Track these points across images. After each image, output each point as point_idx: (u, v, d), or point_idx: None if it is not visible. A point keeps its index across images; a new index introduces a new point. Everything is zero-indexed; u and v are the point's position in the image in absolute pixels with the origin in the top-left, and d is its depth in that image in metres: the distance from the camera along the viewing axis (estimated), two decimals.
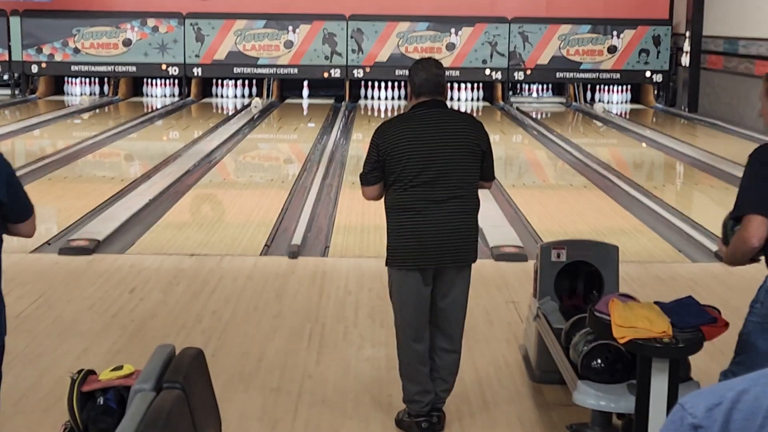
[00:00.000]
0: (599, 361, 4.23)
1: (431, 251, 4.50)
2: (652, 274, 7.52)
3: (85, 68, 20.39)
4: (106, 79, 20.69)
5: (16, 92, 20.35)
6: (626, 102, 20.74)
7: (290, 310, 6.51)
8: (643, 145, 15.53)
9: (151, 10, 20.27)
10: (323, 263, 7.73)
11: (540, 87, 21.12)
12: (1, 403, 4.14)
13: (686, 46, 19.60)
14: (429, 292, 4.61)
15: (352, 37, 20.24)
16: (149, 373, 3.01)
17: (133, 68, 20.38)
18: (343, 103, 19.93)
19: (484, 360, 5.61)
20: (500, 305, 6.65)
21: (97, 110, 18.95)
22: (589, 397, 4.16)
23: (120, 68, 20.38)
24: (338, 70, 20.30)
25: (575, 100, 20.56)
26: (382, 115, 18.98)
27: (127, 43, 20.28)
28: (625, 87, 20.80)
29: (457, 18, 20.27)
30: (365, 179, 4.64)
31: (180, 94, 20.52)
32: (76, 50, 20.28)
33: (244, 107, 19.36)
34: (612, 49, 20.43)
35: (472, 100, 20.62)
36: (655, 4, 20.63)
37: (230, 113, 18.73)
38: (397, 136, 4.52)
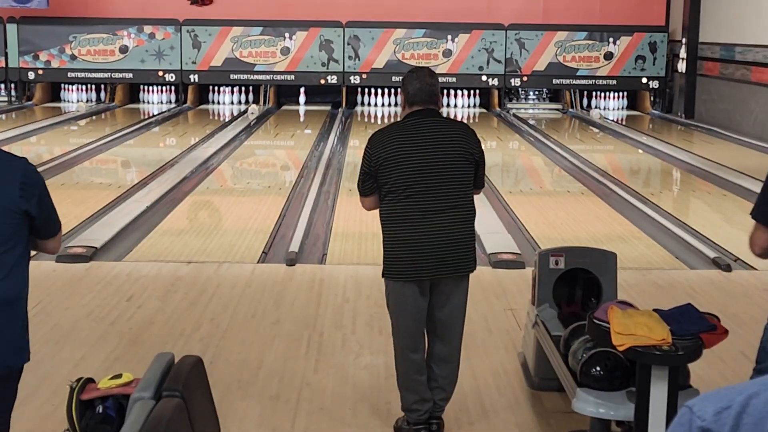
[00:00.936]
0: (598, 368, 4.23)
1: (428, 263, 4.47)
2: (649, 281, 7.52)
3: (81, 75, 20.39)
4: (102, 86, 20.69)
5: (13, 99, 20.33)
6: (623, 108, 20.76)
7: (288, 318, 6.50)
8: (640, 151, 15.54)
9: (147, 16, 20.27)
10: (321, 270, 7.73)
11: (537, 93, 21.10)
12: None
13: (683, 53, 19.62)
14: (426, 303, 4.59)
15: (348, 44, 20.26)
16: (149, 381, 3.00)
17: (130, 75, 20.39)
18: (339, 109, 19.93)
19: (482, 368, 5.60)
20: (498, 313, 6.65)
21: (94, 117, 18.94)
22: (589, 404, 4.16)
23: (117, 75, 20.38)
24: (335, 77, 20.32)
25: (572, 107, 20.58)
26: (379, 122, 18.99)
27: (123, 49, 20.28)
28: (621, 93, 20.83)
29: (453, 24, 20.29)
30: (361, 190, 4.64)
31: (177, 100, 20.51)
32: (73, 57, 20.28)
33: (241, 114, 19.35)
34: (608, 56, 20.45)
35: (469, 106, 20.64)
36: (651, 10, 20.66)
37: (227, 120, 18.72)
38: (389, 145, 4.50)
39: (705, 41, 19.16)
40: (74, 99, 20.58)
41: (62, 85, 20.73)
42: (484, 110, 20.40)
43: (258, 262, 7.96)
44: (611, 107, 20.68)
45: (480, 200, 4.77)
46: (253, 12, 20.29)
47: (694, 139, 16.96)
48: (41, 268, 7.54)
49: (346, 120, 18.56)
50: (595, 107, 20.49)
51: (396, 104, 20.21)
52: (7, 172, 3.40)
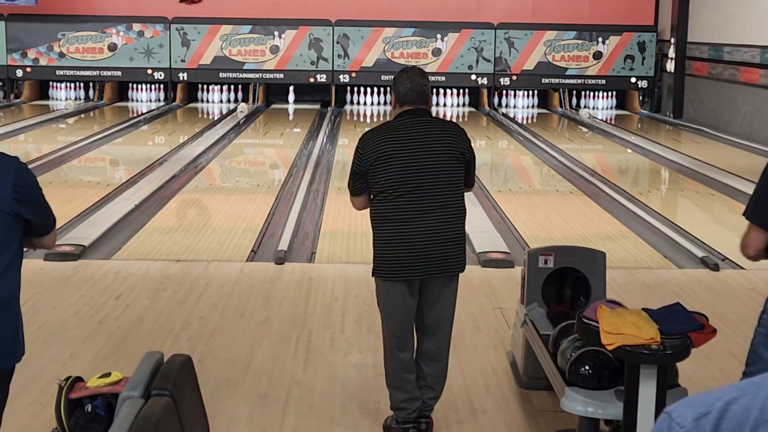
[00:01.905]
0: (587, 367, 4.24)
1: (417, 262, 4.48)
2: (638, 280, 7.54)
3: (70, 73, 20.34)
4: (91, 84, 20.63)
5: (1, 97, 20.26)
6: (611, 108, 20.80)
7: (277, 317, 6.50)
8: (629, 150, 15.57)
9: (136, 14, 20.22)
10: (310, 269, 7.72)
11: (525, 94, 21.05)
12: None
13: (671, 53, 19.67)
14: (415, 303, 4.60)
15: (338, 43, 20.25)
16: (138, 380, 3.00)
17: (119, 73, 20.34)
18: (329, 108, 19.92)
19: (471, 367, 5.61)
20: (487, 312, 6.65)
21: (83, 115, 18.88)
22: (577, 403, 4.17)
23: (105, 73, 20.32)
24: (324, 76, 20.30)
25: (561, 106, 20.60)
26: (368, 121, 18.99)
27: (112, 47, 20.23)
28: (610, 93, 20.86)
29: (443, 23, 20.30)
30: (351, 189, 4.64)
31: (165, 98, 20.47)
32: (61, 55, 20.22)
33: (230, 112, 19.32)
34: (597, 55, 20.48)
35: (458, 105, 20.64)
36: (640, 10, 20.70)
37: (216, 118, 18.69)
38: (380, 145, 4.50)
39: (693, 41, 19.21)
40: (62, 97, 20.51)
41: (50, 83, 20.67)
42: (473, 109, 20.41)
43: (247, 261, 7.95)
44: (600, 107, 20.71)
45: (469, 199, 4.76)
46: (243, 10, 20.27)
47: (682, 138, 17.00)
48: (29, 267, 7.50)
49: (335, 119, 18.55)
50: (584, 107, 20.52)
51: (385, 103, 20.22)
52: None
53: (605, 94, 20.82)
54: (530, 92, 20.91)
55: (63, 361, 5.56)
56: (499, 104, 20.60)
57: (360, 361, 5.68)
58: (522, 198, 11.10)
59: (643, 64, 20.48)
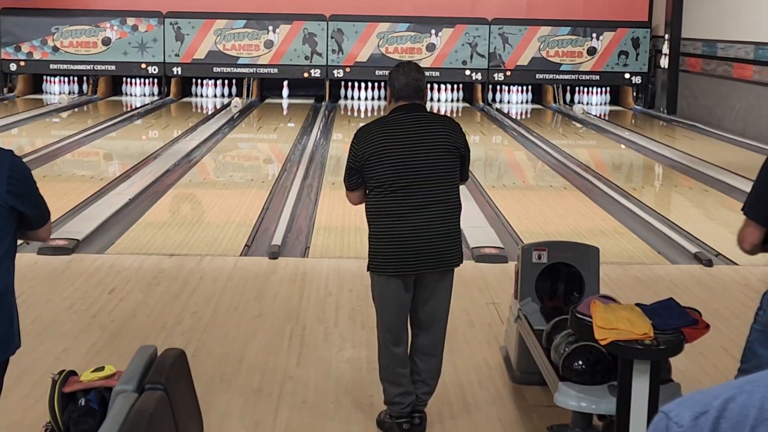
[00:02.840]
0: (580, 362, 4.24)
1: (412, 257, 4.48)
2: (631, 275, 7.55)
3: (64, 67, 20.29)
4: (85, 78, 20.59)
5: None
6: (605, 104, 20.80)
7: (271, 311, 6.49)
8: (622, 146, 15.58)
9: (130, 8, 20.19)
10: (303, 264, 7.72)
11: (519, 89, 21.03)
12: None
13: (665, 49, 19.68)
14: (410, 298, 4.60)
15: (332, 38, 20.23)
16: (131, 374, 3.00)
17: (113, 67, 20.30)
18: (323, 103, 19.90)
19: (465, 362, 5.61)
20: (481, 307, 6.66)
21: (76, 109, 18.86)
22: (570, 398, 4.17)
23: (99, 67, 20.29)
24: (318, 70, 20.29)
25: (555, 102, 20.61)
26: (363, 116, 18.98)
27: (106, 41, 20.19)
28: (604, 89, 20.86)
29: (437, 19, 20.29)
30: (347, 184, 4.65)
31: (159, 93, 20.44)
32: (55, 49, 20.18)
33: (224, 107, 19.30)
34: (591, 51, 20.49)
35: (452, 101, 20.63)
36: (634, 6, 20.72)
37: (210, 113, 18.67)
38: (375, 140, 4.51)
39: (687, 37, 19.22)
40: (56, 91, 20.47)
41: (44, 77, 20.62)
42: (467, 105, 20.40)
43: (240, 256, 7.94)
44: (594, 102, 20.71)
45: (463, 194, 4.77)
46: (237, 5, 20.25)
47: (676, 134, 17.03)
48: (23, 261, 7.50)
49: (329, 113, 18.54)
50: (578, 102, 20.53)
51: (379, 98, 20.20)
52: None
53: (599, 89, 20.82)
54: (524, 88, 20.86)
55: (56, 354, 5.56)
56: (493, 99, 20.60)
57: (353, 356, 5.69)
58: (516, 193, 11.10)
59: (637, 60, 20.49)
